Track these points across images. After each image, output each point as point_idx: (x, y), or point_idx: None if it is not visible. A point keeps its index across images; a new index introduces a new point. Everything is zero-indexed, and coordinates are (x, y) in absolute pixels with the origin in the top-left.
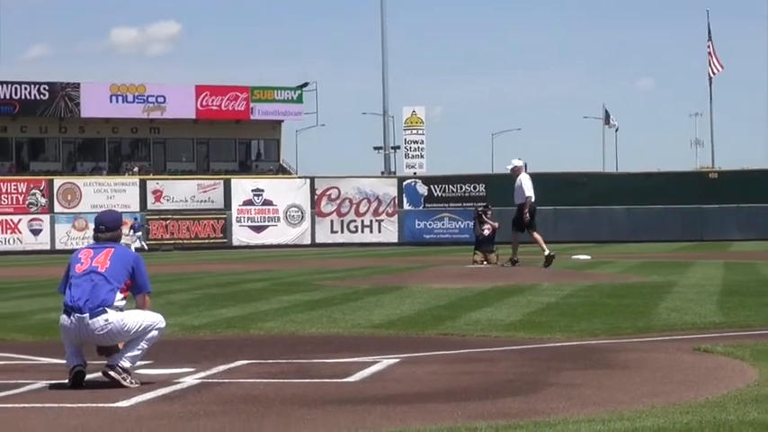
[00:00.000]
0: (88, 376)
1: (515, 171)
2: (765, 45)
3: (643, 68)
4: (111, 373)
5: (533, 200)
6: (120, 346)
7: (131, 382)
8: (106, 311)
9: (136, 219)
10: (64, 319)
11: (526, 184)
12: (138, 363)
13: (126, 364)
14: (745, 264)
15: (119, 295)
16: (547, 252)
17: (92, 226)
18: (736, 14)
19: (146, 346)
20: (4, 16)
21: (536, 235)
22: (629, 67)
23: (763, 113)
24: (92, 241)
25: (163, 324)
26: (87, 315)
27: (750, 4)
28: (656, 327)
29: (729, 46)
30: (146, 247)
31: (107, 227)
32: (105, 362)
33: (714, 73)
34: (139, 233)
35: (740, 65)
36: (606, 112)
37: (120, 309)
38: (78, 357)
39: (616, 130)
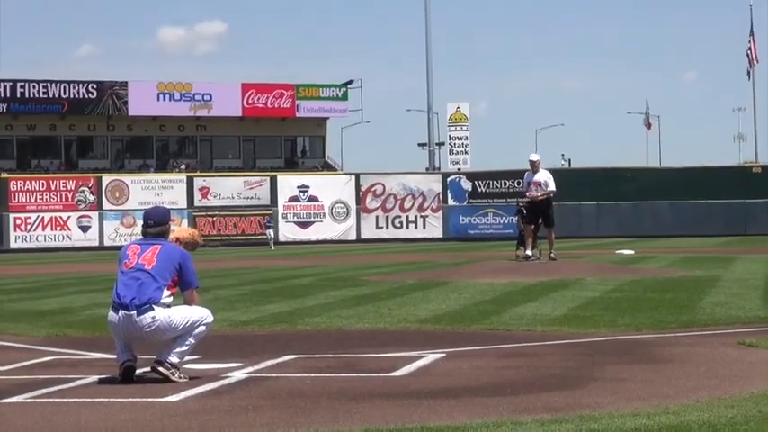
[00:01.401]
0: (137, 371)
1: (536, 165)
2: None
3: (687, 62)
4: (160, 368)
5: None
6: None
7: (180, 377)
8: (153, 309)
9: (267, 218)
10: (111, 315)
11: (550, 178)
12: (187, 358)
13: (174, 359)
14: None
15: (165, 292)
16: (529, 252)
17: (140, 223)
18: None
19: (193, 342)
20: (53, 16)
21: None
22: (674, 61)
23: None
24: (139, 236)
25: (210, 319)
26: (134, 312)
27: None
28: (700, 321)
29: None
30: (272, 247)
31: (155, 221)
32: (154, 357)
33: (751, 67)
34: (271, 230)
35: None
36: (647, 111)
37: (167, 305)
38: (128, 352)
39: (648, 126)
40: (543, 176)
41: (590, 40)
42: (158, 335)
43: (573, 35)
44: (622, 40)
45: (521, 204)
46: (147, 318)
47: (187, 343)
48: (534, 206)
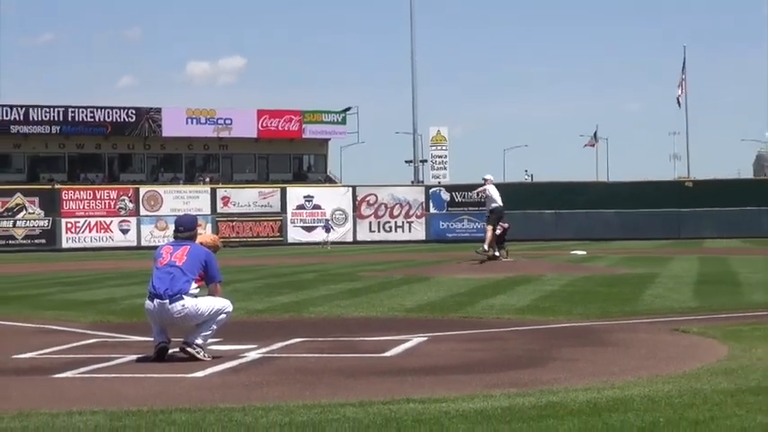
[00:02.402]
0: (169, 351)
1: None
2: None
3: (631, 94)
4: (189, 348)
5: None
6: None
7: (205, 356)
8: (183, 298)
9: (328, 221)
10: (148, 303)
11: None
12: (210, 340)
13: (200, 341)
14: (716, 258)
15: (193, 285)
16: (486, 247)
17: (171, 226)
18: (711, 48)
19: (215, 327)
20: (99, 52)
21: (490, 233)
22: (620, 92)
23: (732, 132)
24: (171, 239)
25: (230, 308)
26: (167, 301)
27: (718, 41)
28: (641, 311)
29: (705, 74)
30: (329, 247)
31: (185, 227)
32: (183, 340)
33: (678, 99)
34: (329, 234)
35: (714, 91)
36: (595, 134)
37: (195, 296)
38: (163, 335)
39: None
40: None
41: (551, 73)
42: (187, 320)
43: (537, 69)
44: (578, 73)
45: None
46: (177, 305)
47: (211, 328)
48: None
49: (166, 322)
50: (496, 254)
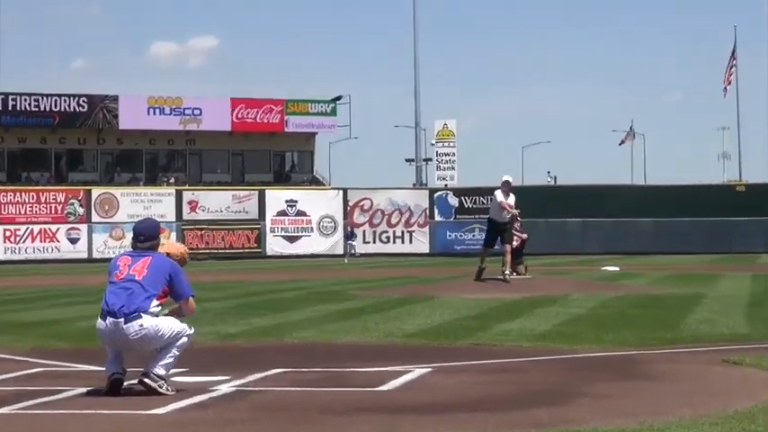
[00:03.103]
0: (126, 383)
1: (509, 186)
2: None
3: (671, 82)
4: (147, 380)
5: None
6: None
7: (167, 390)
8: (141, 317)
9: (349, 228)
10: (99, 323)
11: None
12: (173, 370)
13: (161, 371)
14: None
15: (154, 302)
16: (507, 272)
17: (129, 235)
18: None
19: (177, 353)
20: (47, 30)
21: (509, 254)
22: (659, 80)
23: None
24: (129, 249)
25: (191, 331)
26: (122, 320)
27: None
28: (684, 338)
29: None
30: (357, 254)
31: (146, 236)
32: (142, 370)
33: (726, 88)
34: (353, 241)
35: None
36: (631, 128)
37: (156, 315)
38: (117, 364)
39: (620, 143)
40: (513, 200)
41: (577, 58)
42: (145, 343)
43: (560, 54)
44: (608, 58)
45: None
46: (134, 325)
47: (171, 354)
48: (498, 227)
49: (121, 345)
50: (507, 272)
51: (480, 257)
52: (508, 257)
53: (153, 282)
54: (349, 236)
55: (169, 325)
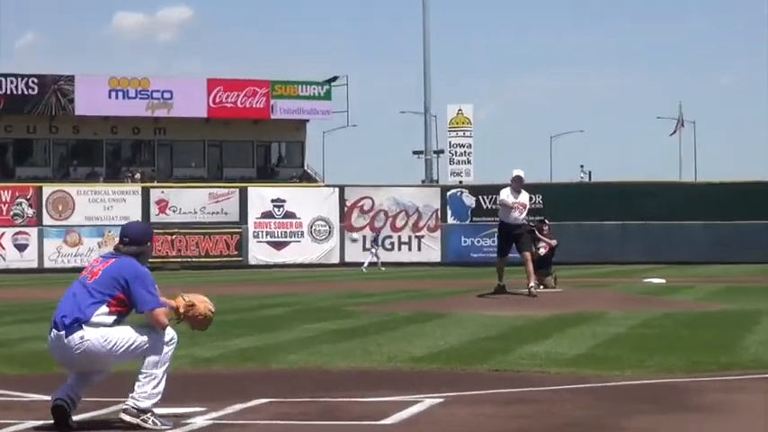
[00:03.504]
0: (98, 414)
1: (520, 182)
2: None
3: (726, 60)
4: (124, 416)
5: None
6: None
7: (156, 424)
8: (82, 328)
9: (375, 234)
10: (49, 337)
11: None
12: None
13: (142, 402)
14: None
15: (103, 309)
16: (533, 284)
17: (86, 241)
18: None
19: (157, 373)
20: None
21: (530, 263)
22: (710, 58)
23: None
24: (88, 260)
25: (173, 336)
26: (64, 333)
27: None
28: (743, 363)
29: None
30: (380, 266)
31: (130, 239)
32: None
33: None
34: (375, 249)
35: None
36: (680, 117)
37: (106, 325)
38: (66, 390)
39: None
40: (526, 198)
41: (613, 35)
42: (93, 360)
43: (594, 30)
44: (650, 34)
45: (533, 224)
46: (75, 338)
47: (148, 376)
48: (510, 231)
49: (70, 364)
50: (532, 285)
51: (497, 271)
52: (530, 267)
53: (102, 286)
54: (375, 242)
55: (123, 336)
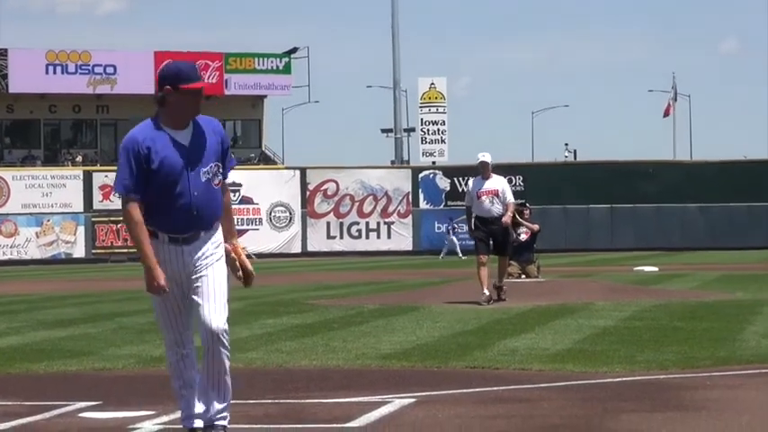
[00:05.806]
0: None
1: (487, 169)
2: None
3: (725, 26)
4: None
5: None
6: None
7: None
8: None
9: (450, 222)
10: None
11: (507, 187)
12: (82, 404)
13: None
14: None
15: None
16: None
17: (23, 231)
18: None
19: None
20: None
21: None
22: (708, 24)
23: None
24: (25, 251)
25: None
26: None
27: None
28: (742, 357)
29: None
30: (459, 254)
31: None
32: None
33: None
34: (451, 237)
35: None
36: (674, 89)
37: None
38: (193, 404)
39: (665, 115)
40: (498, 184)
41: (601, 1)
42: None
43: None
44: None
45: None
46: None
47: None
48: (489, 226)
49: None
50: (499, 284)
51: (479, 278)
52: (505, 266)
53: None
54: (449, 230)
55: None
